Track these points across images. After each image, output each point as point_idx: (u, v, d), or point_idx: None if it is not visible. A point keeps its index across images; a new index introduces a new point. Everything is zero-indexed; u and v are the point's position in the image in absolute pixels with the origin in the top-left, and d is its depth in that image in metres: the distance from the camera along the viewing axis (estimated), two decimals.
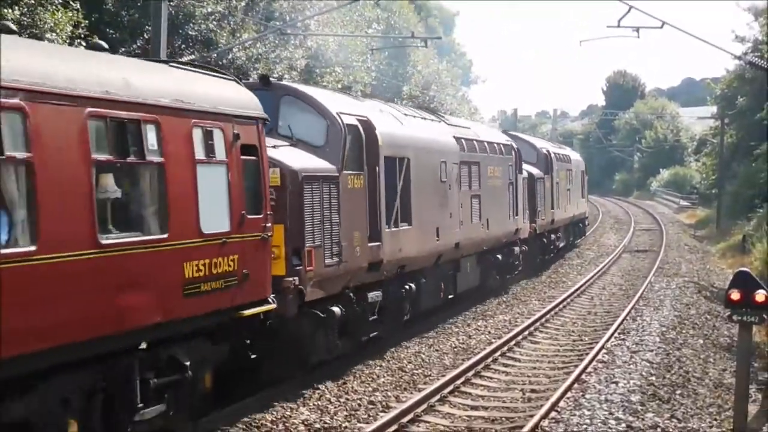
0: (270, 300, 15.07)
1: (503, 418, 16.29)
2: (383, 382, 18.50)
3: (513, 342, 23.01)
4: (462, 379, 18.79)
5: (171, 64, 15.18)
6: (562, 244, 45.48)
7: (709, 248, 52.86)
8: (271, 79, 19.75)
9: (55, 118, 10.49)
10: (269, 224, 15.06)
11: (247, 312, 14.31)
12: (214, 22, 29.71)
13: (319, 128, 18.58)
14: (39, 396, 10.69)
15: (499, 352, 21.69)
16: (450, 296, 26.15)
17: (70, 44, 20.97)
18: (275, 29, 30.38)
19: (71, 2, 22.77)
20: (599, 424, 15.50)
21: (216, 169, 13.63)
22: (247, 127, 14.53)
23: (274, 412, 15.75)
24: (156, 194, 12.32)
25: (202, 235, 13.06)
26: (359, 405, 16.68)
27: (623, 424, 15.51)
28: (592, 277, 36.99)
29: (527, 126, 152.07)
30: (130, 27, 28.15)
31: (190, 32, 29.17)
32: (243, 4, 30.99)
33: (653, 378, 19.08)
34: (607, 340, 22.97)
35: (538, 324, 25.75)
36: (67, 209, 10.60)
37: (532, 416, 15.74)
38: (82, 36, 22.70)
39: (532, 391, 18.28)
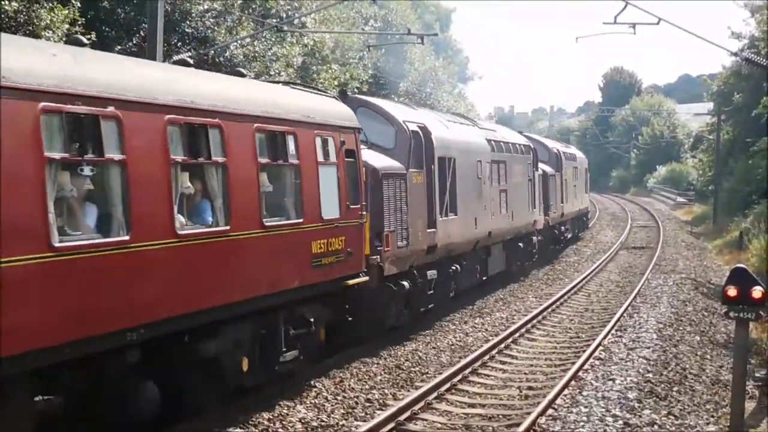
0: (363, 273, 18.89)
1: (500, 416, 16.29)
2: (380, 380, 18.49)
3: (510, 339, 23.02)
4: (459, 377, 18.81)
5: (291, 85, 19.61)
6: (569, 235, 49.76)
7: (706, 245, 52.90)
8: (348, 92, 24.25)
9: (237, 131, 14.38)
10: (364, 212, 18.98)
11: (351, 282, 18.36)
12: (211, 20, 29.66)
13: (389, 134, 22.71)
14: (223, 339, 14.44)
15: (496, 350, 21.70)
16: (484, 278, 30.36)
17: (66, 42, 20.92)
18: (272, 27, 30.37)
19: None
20: (596, 422, 15.51)
21: (330, 169, 17.51)
22: (348, 135, 18.44)
23: (272, 410, 15.74)
24: (294, 188, 16.28)
25: (323, 220, 17.04)
26: (356, 403, 16.68)
27: (620, 422, 15.52)
28: (589, 274, 37.01)
29: (524, 123, 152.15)
30: (126, 24, 28.10)
31: (186, 30, 29.11)
32: (240, 1, 30.94)
33: (650, 375, 19.08)
34: (604, 337, 22.99)
35: (535, 321, 25.76)
36: (243, 200, 14.41)
37: (529, 414, 15.75)
38: (78, 33, 22.64)
39: (530, 388, 18.28)
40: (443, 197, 24.81)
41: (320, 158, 17.06)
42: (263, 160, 15.08)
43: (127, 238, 11.80)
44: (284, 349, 16.21)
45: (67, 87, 11.00)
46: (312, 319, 17.09)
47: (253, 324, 15.32)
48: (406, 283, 22.09)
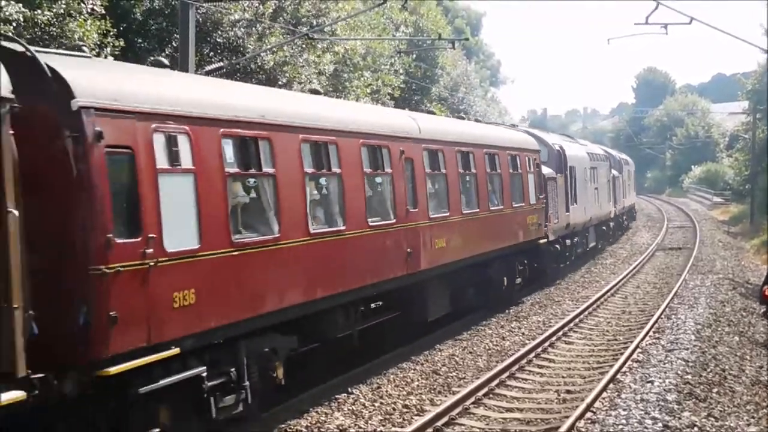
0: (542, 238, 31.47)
1: (538, 420, 16.23)
2: (417, 385, 18.47)
3: (547, 343, 22.93)
4: (496, 381, 18.75)
5: (480, 121, 29.69)
6: (627, 223, 63.97)
7: (743, 244, 52.54)
8: (515, 125, 39.34)
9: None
10: (544, 201, 31.62)
11: (541, 242, 31.06)
12: (242, 29, 29.75)
13: (545, 152, 35.13)
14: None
15: (533, 354, 21.62)
16: (587, 248, 43.33)
17: (98, 54, 21.03)
18: (302, 34, 30.42)
19: (98, 10, 22.82)
20: (635, 424, 15.40)
21: (530, 175, 29.92)
22: (535, 155, 31.26)
23: (309, 418, 15.77)
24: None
25: (529, 204, 29.17)
26: (394, 409, 16.66)
27: (659, 424, 15.40)
28: (626, 275, 36.84)
29: (557, 125, 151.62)
30: (158, 35, 28.23)
31: (218, 39, 29.22)
32: (270, 10, 31.00)
33: (689, 377, 18.94)
34: (642, 339, 22.86)
35: (572, 324, 25.66)
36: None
37: (567, 417, 15.68)
38: (111, 45, 22.78)
39: (567, 392, 18.20)
40: (571, 193, 37.84)
41: (528, 169, 29.35)
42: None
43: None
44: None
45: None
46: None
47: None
48: (558, 246, 35.26)
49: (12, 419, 10.11)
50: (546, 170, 33.15)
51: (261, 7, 30.46)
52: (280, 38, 30.91)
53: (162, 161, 12.04)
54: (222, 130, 13.41)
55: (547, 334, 23.60)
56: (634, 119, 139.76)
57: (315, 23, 33.33)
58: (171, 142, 12.22)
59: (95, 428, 11.40)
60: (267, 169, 14.56)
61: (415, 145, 20.67)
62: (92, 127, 10.92)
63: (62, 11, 21.57)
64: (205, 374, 12.79)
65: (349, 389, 17.70)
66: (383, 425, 15.67)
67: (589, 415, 16.13)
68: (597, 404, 16.79)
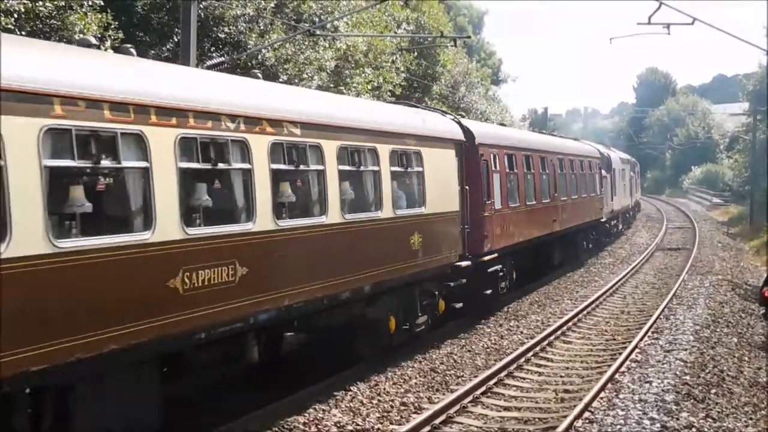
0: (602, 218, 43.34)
1: (536, 419, 16.21)
2: (415, 383, 18.45)
3: (545, 342, 22.92)
4: (494, 380, 18.74)
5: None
6: (638, 210, 77.34)
7: (743, 245, 52.55)
8: (577, 138, 52.59)
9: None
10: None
11: (603, 219, 46.18)
12: (243, 24, 29.67)
13: (603, 157, 48.78)
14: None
15: (531, 353, 21.61)
16: (620, 228, 57.93)
17: (98, 47, 20.96)
18: (304, 30, 30.35)
19: (98, 2, 22.74)
20: (633, 425, 15.39)
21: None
22: (596, 162, 43.31)
23: (306, 414, 15.74)
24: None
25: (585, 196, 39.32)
26: (391, 407, 16.64)
27: (658, 424, 15.38)
28: (625, 275, 36.82)
29: (558, 124, 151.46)
30: (160, 30, 28.16)
31: (219, 35, 29.15)
32: (272, 5, 30.92)
33: (687, 377, 18.92)
34: (641, 340, 22.85)
35: (570, 324, 25.65)
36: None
37: (565, 417, 15.66)
38: (111, 37, 22.71)
39: (565, 391, 18.18)
40: (613, 188, 50.70)
41: (596, 170, 43.12)
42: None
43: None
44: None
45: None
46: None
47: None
48: (608, 225, 50.03)
49: None
50: (603, 172, 47.16)
51: (263, 2, 30.38)
52: (281, 35, 30.84)
53: None
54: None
55: (545, 333, 23.57)
56: (635, 119, 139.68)
57: (317, 20, 33.27)
58: None
59: None
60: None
61: (534, 153, 31.51)
62: None
63: (63, 4, 21.52)
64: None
65: (348, 386, 17.67)
66: (381, 423, 15.64)
67: (587, 414, 16.10)
68: (595, 404, 16.76)
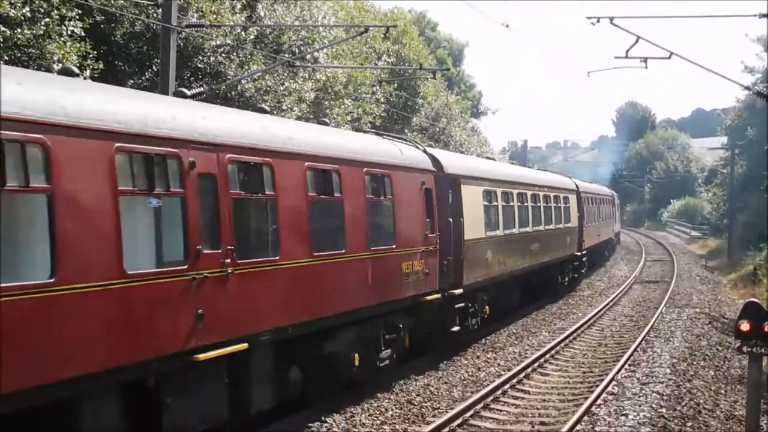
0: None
1: None
2: (391, 415, 18.37)
3: (523, 374, 22.88)
4: (471, 412, 18.69)
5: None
6: (619, 238, 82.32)
7: (721, 279, 52.70)
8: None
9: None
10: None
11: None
12: (223, 55, 29.68)
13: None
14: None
15: (508, 385, 21.57)
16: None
17: (78, 76, 20.90)
18: (284, 61, 30.40)
19: (78, 32, 22.71)
20: None
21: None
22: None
23: None
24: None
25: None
26: None
27: None
28: (603, 308, 36.84)
29: (538, 157, 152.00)
30: (139, 59, 28.14)
31: (198, 65, 29.14)
32: (252, 36, 30.95)
33: (663, 410, 18.93)
34: (617, 372, 22.85)
35: (547, 356, 25.62)
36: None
37: None
38: (90, 67, 22.67)
39: (542, 423, 18.15)
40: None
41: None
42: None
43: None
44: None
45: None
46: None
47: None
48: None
49: None
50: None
51: (243, 33, 30.42)
52: (261, 65, 30.86)
53: None
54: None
55: (522, 365, 23.55)
56: (614, 152, 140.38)
57: (297, 51, 33.32)
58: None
59: None
60: None
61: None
62: None
63: (42, 32, 21.49)
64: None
65: (323, 417, 17.57)
66: None
67: None
68: None
